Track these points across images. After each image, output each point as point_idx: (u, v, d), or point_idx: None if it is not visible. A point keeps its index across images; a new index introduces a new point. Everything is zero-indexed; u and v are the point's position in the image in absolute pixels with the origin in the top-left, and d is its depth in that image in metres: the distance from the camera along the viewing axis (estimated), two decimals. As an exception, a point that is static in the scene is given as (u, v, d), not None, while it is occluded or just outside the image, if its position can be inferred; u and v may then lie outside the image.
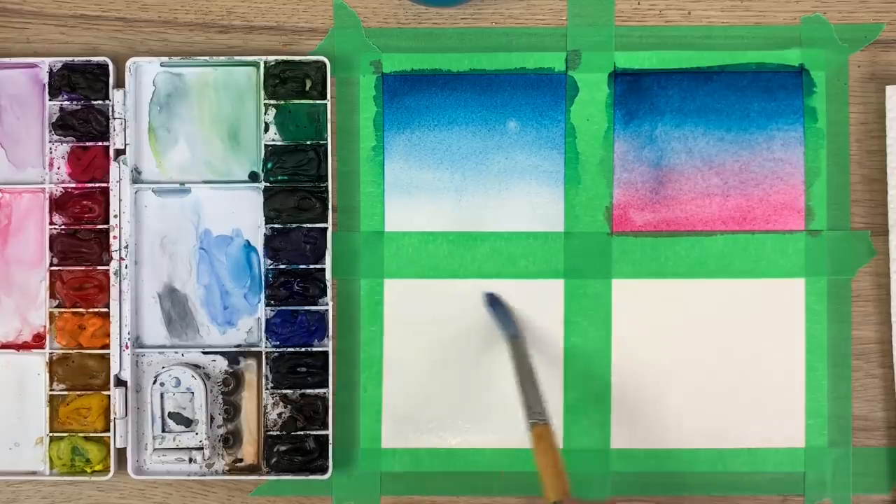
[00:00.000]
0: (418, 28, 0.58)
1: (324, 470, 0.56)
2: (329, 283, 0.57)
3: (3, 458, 0.58)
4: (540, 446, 0.49)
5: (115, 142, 0.57)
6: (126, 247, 0.57)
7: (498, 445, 0.57)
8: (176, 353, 0.58)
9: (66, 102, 0.57)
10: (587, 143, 0.58)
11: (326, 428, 0.56)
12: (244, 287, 0.58)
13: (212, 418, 0.57)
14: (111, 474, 0.57)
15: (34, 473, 0.57)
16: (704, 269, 0.57)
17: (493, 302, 0.57)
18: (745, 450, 0.57)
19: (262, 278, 0.57)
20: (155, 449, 0.56)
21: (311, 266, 0.57)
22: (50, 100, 0.57)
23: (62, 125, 0.57)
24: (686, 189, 0.58)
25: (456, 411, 0.57)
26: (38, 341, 0.58)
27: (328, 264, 0.57)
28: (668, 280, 0.57)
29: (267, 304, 0.57)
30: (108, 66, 0.57)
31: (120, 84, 0.58)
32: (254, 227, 0.58)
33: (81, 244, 0.57)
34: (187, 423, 0.57)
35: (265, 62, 0.57)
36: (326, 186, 0.57)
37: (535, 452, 0.49)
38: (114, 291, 0.57)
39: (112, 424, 0.56)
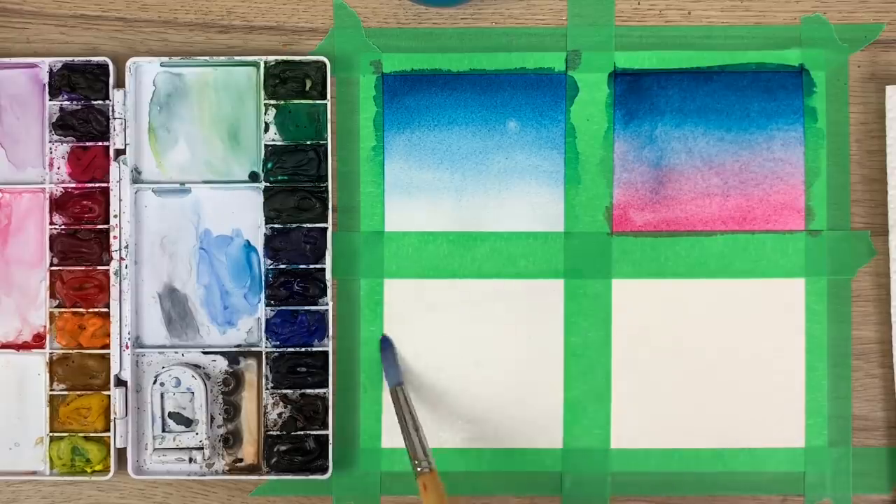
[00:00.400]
0: (418, 28, 0.58)
1: (324, 470, 0.56)
2: (329, 283, 0.57)
3: (3, 458, 0.58)
4: (426, 496, 0.51)
5: (115, 142, 0.57)
6: (126, 247, 0.57)
7: (498, 445, 0.57)
8: (176, 353, 0.57)
9: (66, 102, 0.57)
10: (587, 143, 0.58)
11: (326, 428, 0.56)
12: (244, 287, 0.58)
13: (212, 418, 0.57)
14: (111, 474, 0.57)
15: (34, 473, 0.57)
16: (704, 269, 0.57)
17: (386, 347, 0.57)
18: (745, 450, 0.57)
19: (262, 278, 0.57)
20: (155, 449, 0.56)
21: (311, 266, 0.57)
22: (50, 100, 0.57)
23: (62, 125, 0.57)
24: (686, 189, 0.58)
25: (455, 411, 0.57)
26: (38, 341, 0.58)
27: (328, 264, 0.57)
28: (668, 280, 0.57)
29: (267, 304, 0.57)
30: (108, 66, 0.57)
31: (120, 84, 0.58)
32: (254, 227, 0.58)
33: (81, 244, 0.57)
34: (187, 423, 0.57)
35: (265, 62, 0.57)
36: (326, 186, 0.57)
37: (423, 500, 0.51)
38: (114, 291, 0.57)
39: (112, 424, 0.56)
